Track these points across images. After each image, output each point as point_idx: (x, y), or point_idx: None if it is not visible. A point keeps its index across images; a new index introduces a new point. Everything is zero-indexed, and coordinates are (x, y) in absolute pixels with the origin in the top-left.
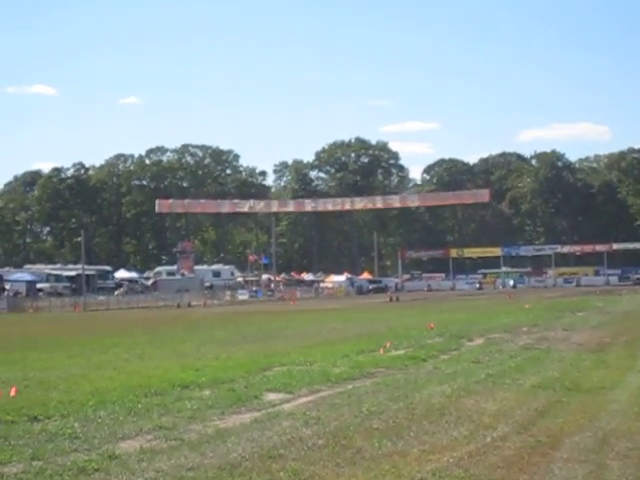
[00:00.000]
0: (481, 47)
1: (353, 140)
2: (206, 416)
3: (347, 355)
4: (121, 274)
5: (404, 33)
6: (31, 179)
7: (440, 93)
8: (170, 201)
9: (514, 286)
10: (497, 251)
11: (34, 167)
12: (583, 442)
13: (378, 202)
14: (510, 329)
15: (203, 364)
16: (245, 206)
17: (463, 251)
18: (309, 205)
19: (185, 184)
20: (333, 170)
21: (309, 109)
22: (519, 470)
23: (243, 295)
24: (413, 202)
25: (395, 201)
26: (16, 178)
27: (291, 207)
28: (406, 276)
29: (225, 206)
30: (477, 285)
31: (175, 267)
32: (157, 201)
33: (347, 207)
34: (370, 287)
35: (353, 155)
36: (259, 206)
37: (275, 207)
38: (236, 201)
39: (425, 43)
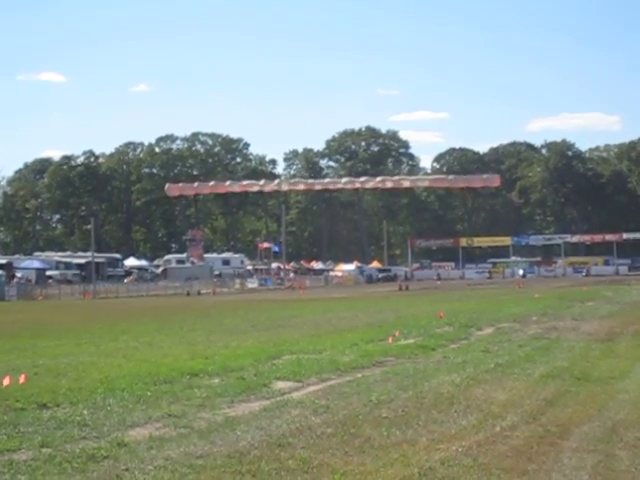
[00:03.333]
0: (491, 36)
1: (363, 129)
2: (215, 404)
3: (356, 344)
4: (131, 262)
5: (414, 23)
6: (41, 167)
7: (450, 82)
8: (180, 185)
9: (524, 275)
10: (507, 240)
11: (44, 155)
12: (592, 432)
13: (388, 182)
14: (519, 318)
15: (212, 352)
16: (255, 187)
17: (473, 240)
18: (319, 184)
19: (195, 172)
20: (343, 159)
21: (319, 98)
22: (528, 459)
23: (253, 283)
24: (423, 183)
25: (405, 181)
26: (26, 166)
27: (301, 186)
28: (415, 265)
29: (235, 186)
30: (487, 274)
31: (185, 255)
32: (167, 185)
33: (357, 186)
34: (379, 276)
35: (363, 144)
36: (269, 186)
37: (286, 186)
38: (246, 182)
39: (435, 33)
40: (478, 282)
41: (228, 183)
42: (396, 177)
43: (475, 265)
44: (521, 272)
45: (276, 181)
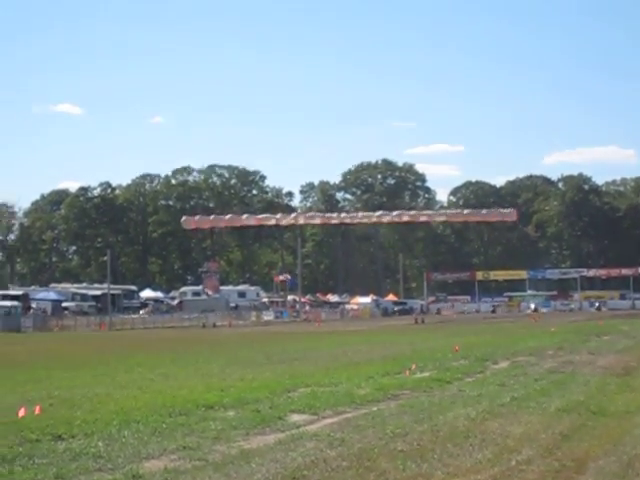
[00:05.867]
0: (507, 70)
1: (380, 162)
2: (230, 437)
3: (372, 377)
4: (147, 294)
5: (431, 56)
6: (58, 198)
7: (466, 115)
8: (196, 218)
9: (536, 309)
10: (523, 274)
11: (61, 186)
12: (608, 466)
13: (405, 217)
14: (535, 352)
15: (228, 384)
16: (272, 220)
17: (489, 274)
18: (336, 219)
19: (211, 204)
20: (359, 191)
21: (336, 130)
22: None
23: (268, 316)
24: (440, 218)
25: (422, 216)
26: (43, 197)
27: (318, 220)
28: (431, 298)
29: (251, 220)
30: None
31: (200, 287)
32: (183, 218)
33: (374, 220)
34: (395, 309)
35: (379, 176)
36: (286, 219)
37: (302, 220)
38: (262, 216)
39: (452, 66)
40: (494, 315)
41: (244, 217)
42: (413, 211)
43: (491, 298)
44: (532, 306)
45: (292, 215)
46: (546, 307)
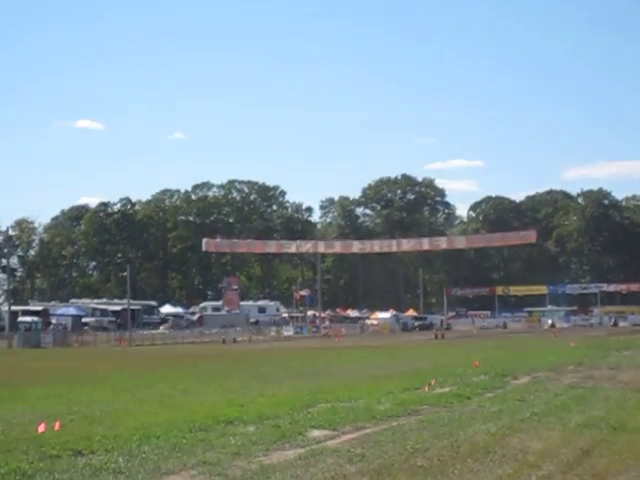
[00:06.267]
0: (526, 85)
1: (399, 177)
2: (250, 452)
3: (392, 392)
4: (166, 309)
5: (450, 71)
6: (78, 214)
7: (485, 131)
8: (217, 240)
9: (553, 325)
10: (543, 289)
11: (80, 202)
12: None
13: (425, 244)
14: (555, 367)
15: (248, 400)
16: (292, 246)
17: (509, 289)
18: (356, 247)
19: (231, 220)
20: (379, 207)
21: (355, 145)
22: None
23: (288, 331)
24: (460, 243)
25: (442, 242)
26: (63, 213)
27: (338, 248)
28: (451, 313)
29: (272, 246)
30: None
31: (220, 302)
32: (204, 240)
33: (394, 248)
34: (415, 324)
35: (399, 192)
36: (306, 247)
37: (322, 248)
38: (283, 242)
39: (471, 81)
40: (514, 330)
41: (264, 242)
42: (433, 237)
43: (511, 314)
44: (550, 322)
45: (311, 242)
46: (566, 322)
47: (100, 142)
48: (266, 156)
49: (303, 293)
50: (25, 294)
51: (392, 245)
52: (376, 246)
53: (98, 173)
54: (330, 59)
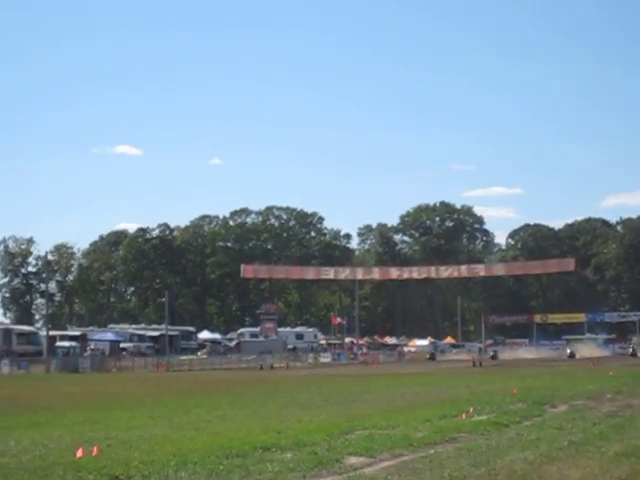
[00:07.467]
0: (566, 114)
1: (438, 204)
2: (287, 479)
3: (429, 420)
4: (204, 335)
5: (489, 98)
6: (116, 239)
7: (524, 158)
8: (255, 266)
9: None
10: (581, 317)
11: (119, 227)
12: None
13: (463, 271)
14: (594, 396)
15: (285, 426)
16: (330, 273)
17: (547, 317)
18: (394, 273)
19: (269, 246)
20: (417, 234)
21: (394, 172)
22: None
23: (326, 358)
24: (499, 271)
25: (480, 270)
26: (101, 238)
27: (376, 275)
28: (489, 341)
29: (310, 273)
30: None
31: (258, 329)
32: (242, 266)
33: (432, 276)
34: (453, 352)
35: (437, 219)
36: (344, 273)
37: (360, 274)
38: (321, 268)
39: (510, 108)
40: (552, 359)
41: (302, 269)
42: (471, 265)
43: (549, 342)
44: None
45: (349, 269)
46: (605, 350)
47: (138, 167)
48: (304, 183)
49: (340, 320)
50: (63, 319)
51: (430, 272)
52: (414, 273)
53: (136, 199)
54: (368, 86)
